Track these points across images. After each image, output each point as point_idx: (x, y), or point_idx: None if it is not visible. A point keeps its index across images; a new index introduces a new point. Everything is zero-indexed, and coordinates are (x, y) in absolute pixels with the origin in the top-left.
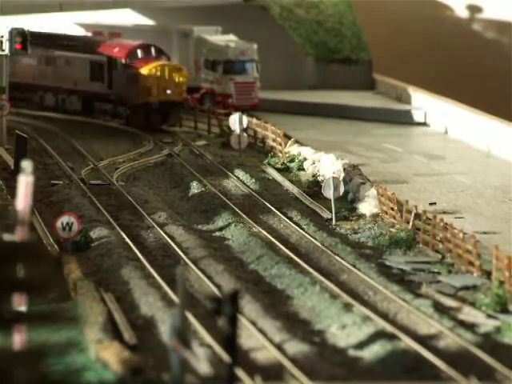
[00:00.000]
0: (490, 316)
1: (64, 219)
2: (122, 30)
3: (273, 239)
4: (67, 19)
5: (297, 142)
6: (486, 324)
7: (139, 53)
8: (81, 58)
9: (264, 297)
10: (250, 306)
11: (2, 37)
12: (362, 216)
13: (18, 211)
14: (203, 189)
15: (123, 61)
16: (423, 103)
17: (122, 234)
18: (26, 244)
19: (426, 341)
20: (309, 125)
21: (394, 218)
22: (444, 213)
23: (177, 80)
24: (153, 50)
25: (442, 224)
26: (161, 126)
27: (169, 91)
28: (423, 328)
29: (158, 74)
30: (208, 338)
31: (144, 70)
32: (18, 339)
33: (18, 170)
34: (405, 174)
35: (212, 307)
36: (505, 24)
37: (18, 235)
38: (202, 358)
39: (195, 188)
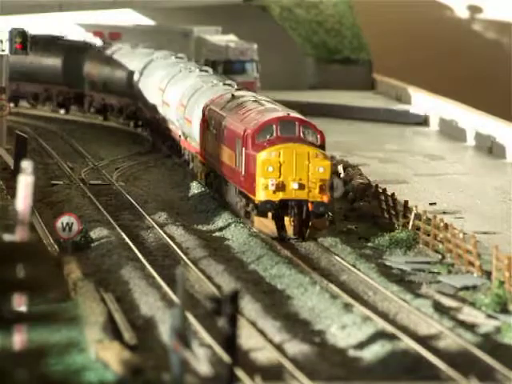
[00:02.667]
0: (489, 316)
1: (64, 219)
2: (121, 30)
3: (273, 239)
4: (67, 19)
5: None
6: (486, 324)
7: (275, 129)
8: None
9: (264, 297)
10: (250, 306)
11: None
12: (362, 216)
13: (17, 211)
14: (203, 189)
15: (247, 141)
16: (423, 103)
17: (122, 234)
18: (26, 244)
19: (426, 341)
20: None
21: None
22: (444, 213)
23: (310, 170)
24: (298, 127)
25: (442, 224)
26: (290, 236)
27: (295, 185)
28: (423, 328)
29: (281, 160)
30: (208, 338)
31: (260, 156)
32: (18, 339)
33: (17, 170)
34: (405, 174)
35: (212, 307)
36: (505, 24)
37: (18, 235)
38: (202, 358)
39: (195, 188)
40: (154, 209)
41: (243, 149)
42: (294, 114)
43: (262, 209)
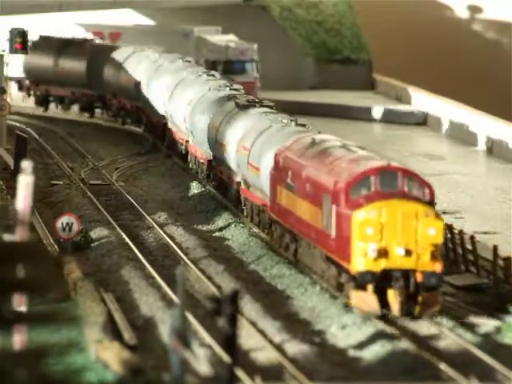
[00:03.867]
0: (490, 316)
1: (64, 219)
2: (121, 30)
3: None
4: (67, 19)
5: None
6: (486, 324)
7: (374, 182)
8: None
9: (264, 297)
10: (250, 306)
11: None
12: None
13: (17, 211)
14: (203, 189)
15: (339, 197)
16: (423, 103)
17: (122, 234)
18: (26, 244)
19: (426, 341)
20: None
21: None
22: (444, 213)
23: (419, 232)
24: (402, 180)
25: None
26: (395, 314)
27: (400, 251)
28: (423, 328)
29: (382, 220)
30: (208, 338)
31: (357, 216)
32: (18, 339)
33: (17, 170)
34: None
35: (212, 307)
36: (505, 24)
37: (18, 235)
38: (202, 358)
39: (195, 188)
40: (153, 209)
41: (333, 206)
42: (396, 164)
43: (361, 281)
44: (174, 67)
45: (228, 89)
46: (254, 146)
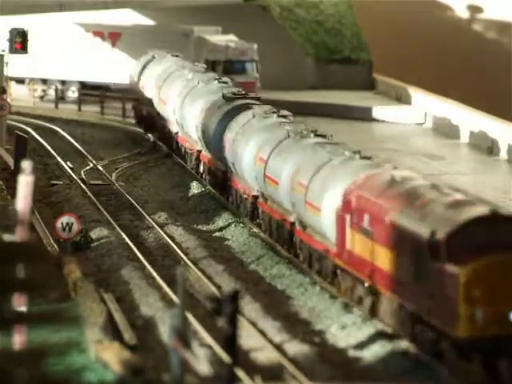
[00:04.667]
0: None
1: (64, 219)
2: (121, 30)
3: (273, 240)
4: (67, 19)
5: None
6: None
7: (481, 232)
8: None
9: (264, 297)
10: (250, 307)
11: None
12: None
13: (17, 211)
14: (203, 189)
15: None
16: (423, 103)
17: (122, 234)
18: (26, 244)
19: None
20: (309, 125)
21: None
22: None
23: None
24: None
25: None
26: None
27: None
28: None
29: (493, 278)
30: (208, 338)
31: (463, 273)
32: (18, 339)
33: (17, 170)
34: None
35: (212, 307)
36: (505, 24)
37: (18, 235)
38: (202, 358)
39: (195, 188)
40: (153, 209)
41: (431, 260)
42: (503, 211)
43: (468, 349)
44: (210, 89)
45: (275, 116)
46: (313, 182)
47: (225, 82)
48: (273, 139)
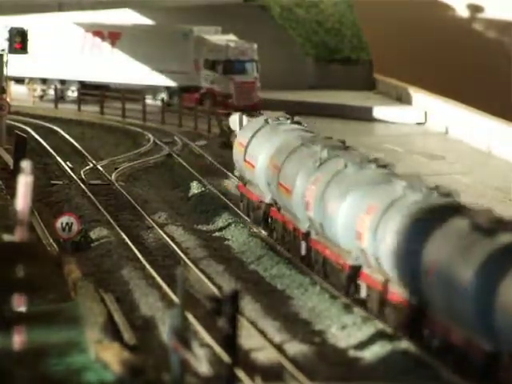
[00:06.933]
0: None
1: (64, 219)
2: (121, 30)
3: (273, 239)
4: (67, 19)
5: None
6: None
7: None
8: None
9: (264, 297)
10: (250, 307)
11: None
12: None
13: (17, 211)
14: (203, 189)
15: None
16: (424, 103)
17: (122, 234)
18: (26, 244)
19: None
20: (309, 125)
21: None
22: None
23: None
24: None
25: None
26: None
27: None
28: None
29: None
30: (208, 339)
31: None
32: (18, 339)
33: (17, 169)
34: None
35: (212, 307)
36: (505, 24)
37: (18, 235)
38: (202, 358)
39: (195, 188)
40: (153, 209)
41: None
42: None
43: None
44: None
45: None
46: None
47: (384, 166)
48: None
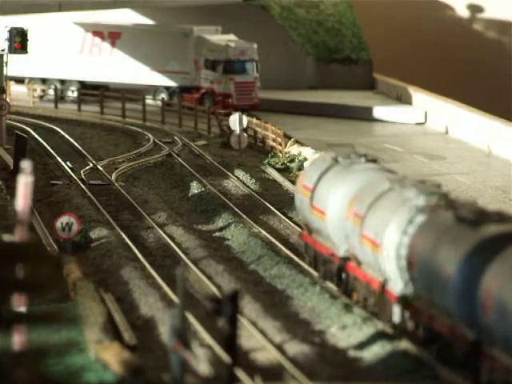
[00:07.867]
0: None
1: (64, 219)
2: (121, 30)
3: (273, 239)
4: (66, 19)
5: (297, 142)
6: None
7: None
8: None
9: (264, 297)
10: (250, 307)
11: None
12: None
13: (17, 211)
14: (203, 189)
15: None
16: (424, 103)
17: (122, 234)
18: (26, 244)
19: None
20: (309, 125)
21: None
22: None
23: None
24: None
25: None
26: None
27: None
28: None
29: None
30: (208, 339)
31: None
32: (18, 339)
33: (17, 170)
34: (405, 174)
35: (212, 307)
36: (505, 24)
37: (18, 235)
38: (202, 358)
39: (195, 188)
40: (153, 209)
41: None
42: None
43: None
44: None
45: None
46: None
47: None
48: None
